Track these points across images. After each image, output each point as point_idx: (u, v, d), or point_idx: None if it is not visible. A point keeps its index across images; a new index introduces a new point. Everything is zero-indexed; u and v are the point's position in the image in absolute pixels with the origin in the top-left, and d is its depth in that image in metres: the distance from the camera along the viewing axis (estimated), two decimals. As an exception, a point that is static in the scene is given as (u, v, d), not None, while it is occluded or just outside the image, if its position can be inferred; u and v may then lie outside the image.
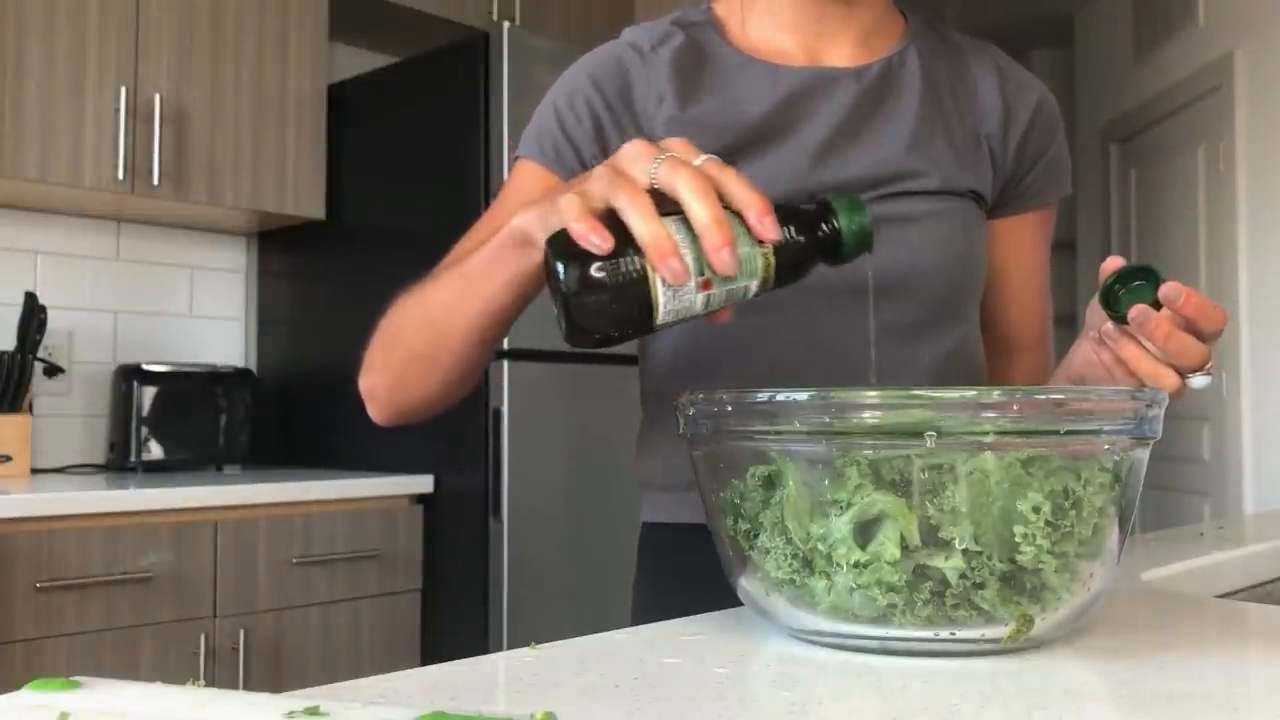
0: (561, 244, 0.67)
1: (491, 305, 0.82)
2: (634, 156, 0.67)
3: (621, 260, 0.65)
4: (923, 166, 0.97)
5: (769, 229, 0.65)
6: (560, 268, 0.66)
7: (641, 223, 0.64)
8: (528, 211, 0.74)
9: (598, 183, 0.67)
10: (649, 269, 0.65)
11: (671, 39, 1.01)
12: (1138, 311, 0.74)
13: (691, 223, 0.64)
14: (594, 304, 0.66)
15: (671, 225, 0.65)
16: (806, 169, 0.95)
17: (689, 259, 0.64)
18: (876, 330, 0.96)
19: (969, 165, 1.00)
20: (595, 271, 0.65)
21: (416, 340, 0.90)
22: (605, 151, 0.98)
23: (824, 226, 0.70)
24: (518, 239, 0.76)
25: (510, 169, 1.04)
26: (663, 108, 0.98)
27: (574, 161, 0.98)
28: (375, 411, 0.99)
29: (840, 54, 1.00)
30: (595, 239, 0.64)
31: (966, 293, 1.01)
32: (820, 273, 0.91)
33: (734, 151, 0.95)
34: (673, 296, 0.65)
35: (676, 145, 0.68)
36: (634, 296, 0.65)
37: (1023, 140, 1.03)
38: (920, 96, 0.99)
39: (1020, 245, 1.07)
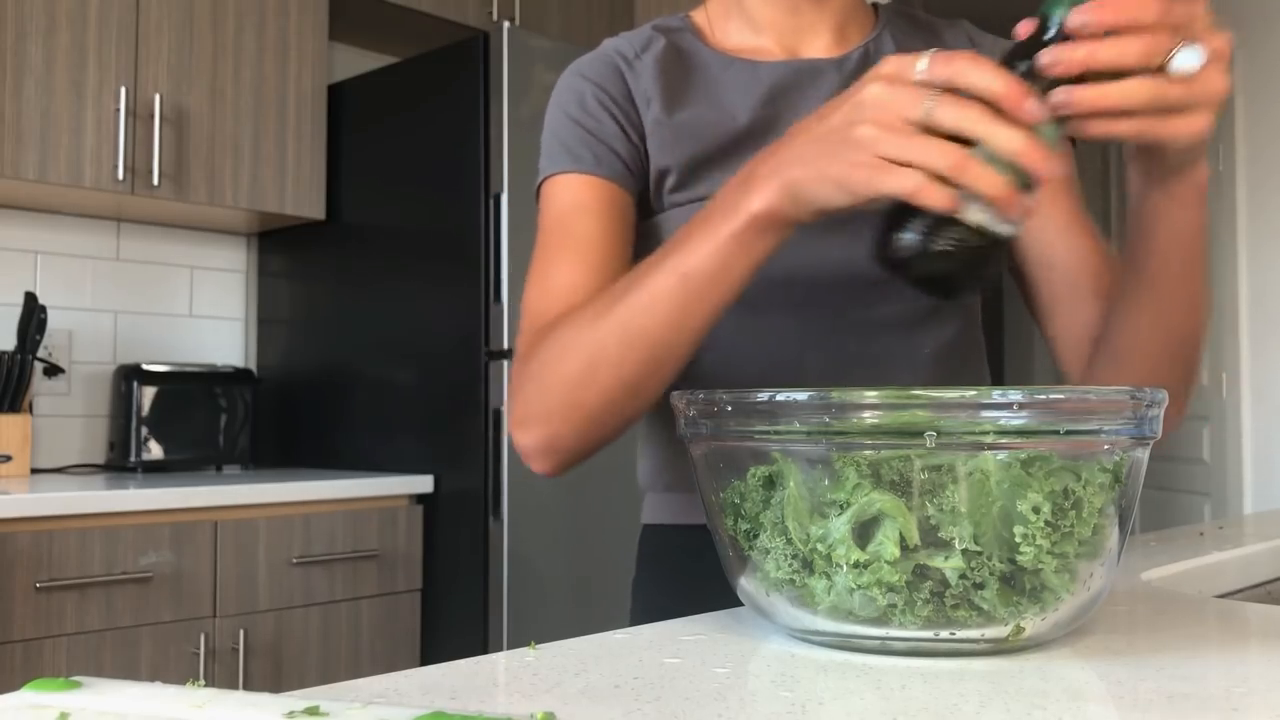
0: (898, 214, 0.68)
1: (729, 298, 0.77)
2: (898, 100, 0.66)
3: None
4: None
5: (1032, 111, 0.63)
6: (917, 236, 0.67)
7: (978, 182, 0.63)
8: (765, 189, 0.72)
9: (886, 141, 0.65)
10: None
11: (654, 44, 1.01)
12: (1049, 56, 0.65)
13: (1001, 154, 0.63)
14: (959, 257, 0.67)
15: (979, 157, 0.64)
16: None
17: (1015, 183, 0.65)
18: (874, 324, 0.95)
19: None
20: (947, 232, 0.66)
21: (626, 369, 0.81)
22: (634, 145, 0.97)
23: (1045, 38, 0.65)
24: (763, 224, 0.73)
25: (538, 194, 0.99)
26: (650, 109, 0.98)
27: (613, 160, 0.95)
28: (549, 464, 0.89)
29: (818, 47, 1.01)
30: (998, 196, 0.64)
31: None
32: (813, 268, 0.90)
33: (721, 153, 0.95)
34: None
35: (897, 66, 0.67)
36: (982, 241, 0.66)
37: None
38: None
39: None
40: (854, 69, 0.99)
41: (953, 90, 0.64)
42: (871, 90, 0.67)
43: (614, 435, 0.89)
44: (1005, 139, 0.63)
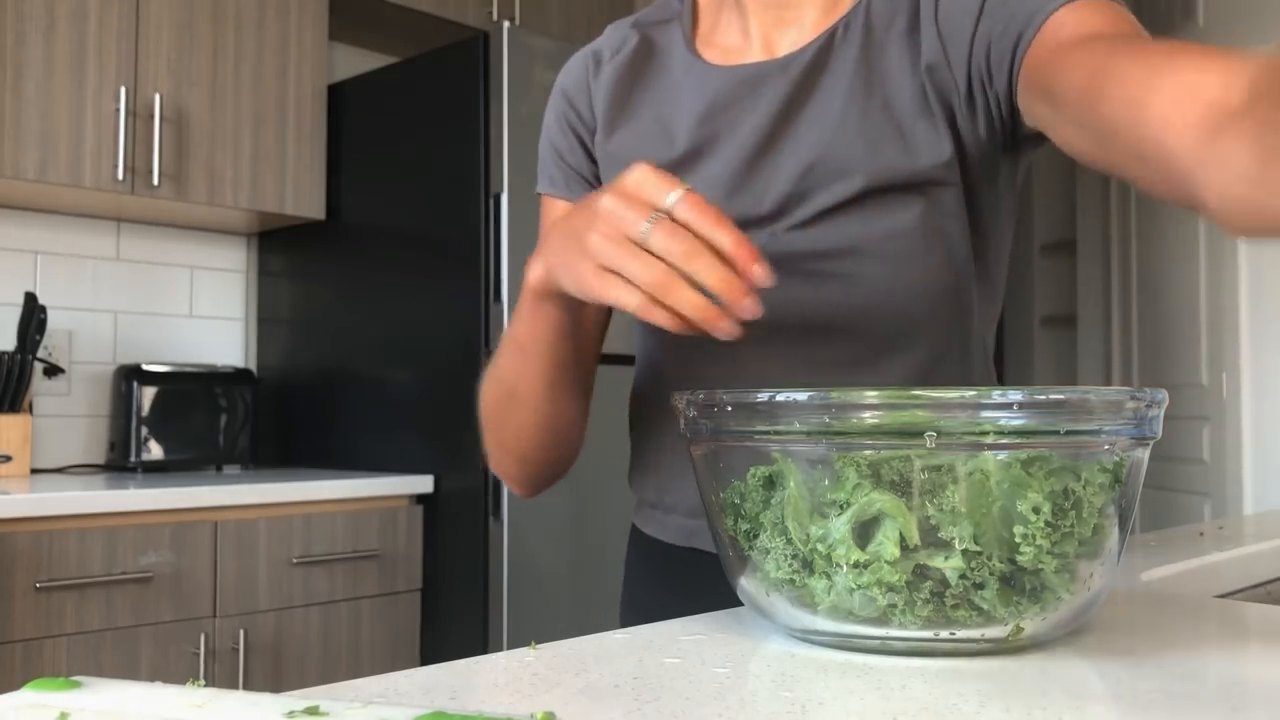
0: None
1: (556, 356, 0.86)
2: (624, 217, 0.69)
3: None
4: (852, 158, 0.87)
5: (758, 275, 0.67)
6: None
7: (680, 305, 0.68)
8: (536, 265, 0.79)
9: (608, 253, 0.69)
10: None
11: (626, 45, 0.99)
12: None
13: (706, 287, 0.68)
14: None
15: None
16: (728, 191, 0.90)
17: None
18: (833, 362, 0.90)
19: (921, 133, 0.87)
20: None
21: (517, 418, 0.93)
22: (594, 163, 1.00)
23: None
24: (541, 295, 0.81)
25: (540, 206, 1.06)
26: (597, 130, 0.99)
27: (580, 183, 1.00)
28: (518, 490, 1.02)
29: (806, 24, 0.92)
30: (724, 326, 0.69)
31: (921, 321, 0.90)
32: (776, 309, 0.87)
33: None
34: None
35: (639, 181, 0.70)
36: None
37: (973, 30, 0.84)
38: (859, 64, 0.89)
39: (1039, 70, 0.79)
40: (805, 68, 0.90)
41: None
42: (605, 201, 0.70)
43: (554, 460, 0.97)
44: (707, 275, 0.67)
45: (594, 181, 1.00)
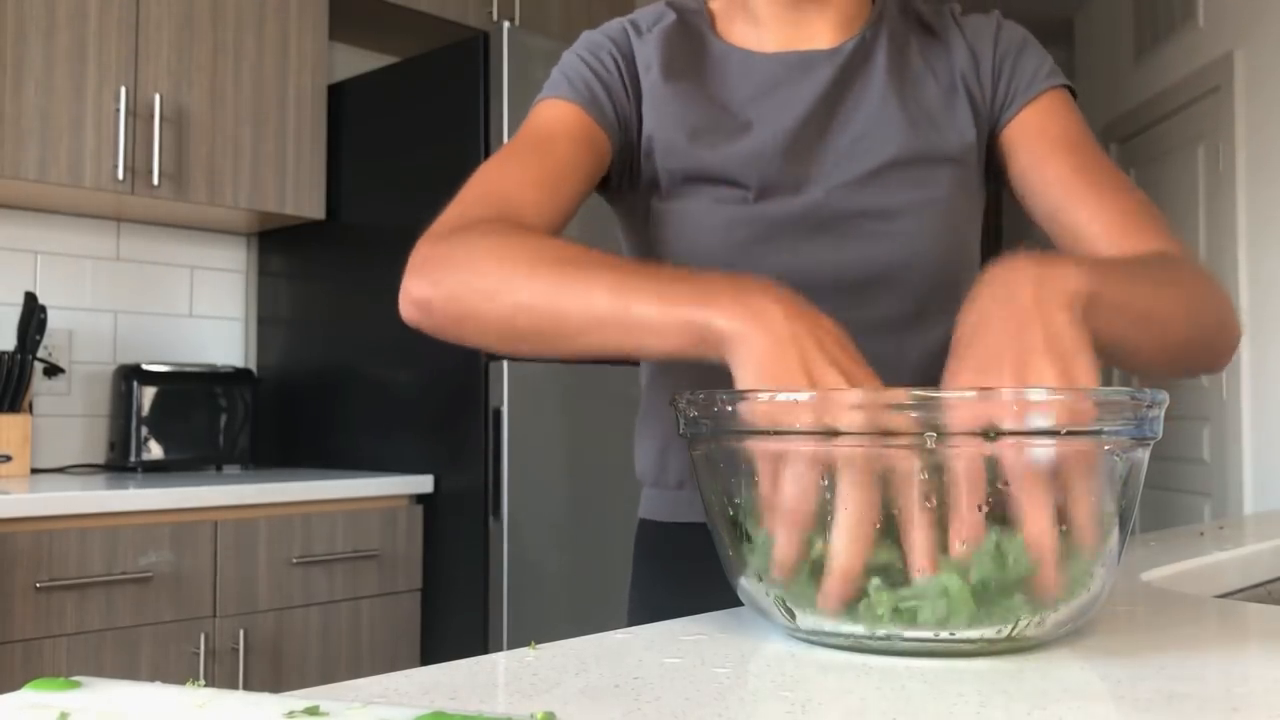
0: None
1: (636, 354, 0.78)
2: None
3: None
4: (895, 132, 0.97)
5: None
6: None
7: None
8: (734, 315, 0.70)
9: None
10: None
11: (664, 19, 1.04)
12: None
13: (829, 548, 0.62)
14: None
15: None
16: (782, 154, 0.96)
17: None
18: (861, 327, 0.93)
19: (947, 122, 0.99)
20: None
21: (519, 317, 0.82)
22: (632, 102, 1.00)
23: None
24: (701, 333, 0.72)
25: (532, 110, 1.01)
26: (649, 74, 1.00)
27: (607, 104, 0.98)
28: (414, 319, 0.90)
29: (821, 42, 1.02)
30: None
31: (955, 283, 0.98)
32: (805, 272, 0.89)
33: (708, 133, 0.97)
34: None
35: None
36: None
37: (995, 62, 1.01)
38: (890, 64, 1.00)
39: (1030, 141, 1.00)
40: (849, 57, 1.00)
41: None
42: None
43: (476, 346, 0.90)
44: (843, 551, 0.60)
45: (620, 115, 0.99)
